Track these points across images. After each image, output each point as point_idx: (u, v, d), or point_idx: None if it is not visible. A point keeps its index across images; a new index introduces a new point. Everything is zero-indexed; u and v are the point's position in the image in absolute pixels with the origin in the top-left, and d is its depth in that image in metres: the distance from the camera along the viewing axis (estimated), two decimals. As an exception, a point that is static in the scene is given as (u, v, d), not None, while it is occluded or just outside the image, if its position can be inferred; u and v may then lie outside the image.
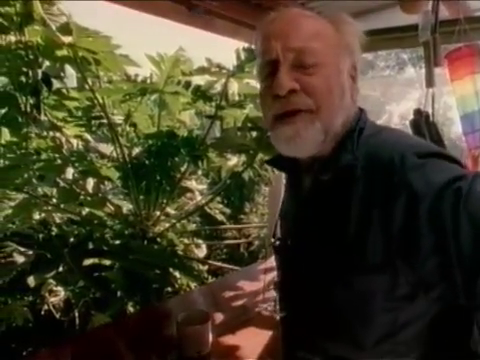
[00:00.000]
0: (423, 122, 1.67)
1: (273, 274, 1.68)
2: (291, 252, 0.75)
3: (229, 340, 1.22)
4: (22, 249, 1.51)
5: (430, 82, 1.61)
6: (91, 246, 1.70)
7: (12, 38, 1.57)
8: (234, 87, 1.92)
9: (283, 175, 2.30)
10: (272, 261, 2.07)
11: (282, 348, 0.80)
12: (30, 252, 1.49)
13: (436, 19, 1.58)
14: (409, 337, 0.63)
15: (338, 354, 0.68)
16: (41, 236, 1.74)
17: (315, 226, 0.70)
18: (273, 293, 1.27)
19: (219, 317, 1.39)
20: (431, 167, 0.58)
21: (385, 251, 0.59)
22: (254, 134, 1.74)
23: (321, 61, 0.64)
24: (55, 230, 1.90)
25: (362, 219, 0.61)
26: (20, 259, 1.43)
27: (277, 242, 0.82)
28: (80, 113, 1.93)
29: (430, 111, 1.70)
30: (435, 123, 1.70)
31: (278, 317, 0.82)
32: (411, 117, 1.72)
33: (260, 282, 1.72)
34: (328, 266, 0.65)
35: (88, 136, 2.10)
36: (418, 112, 1.68)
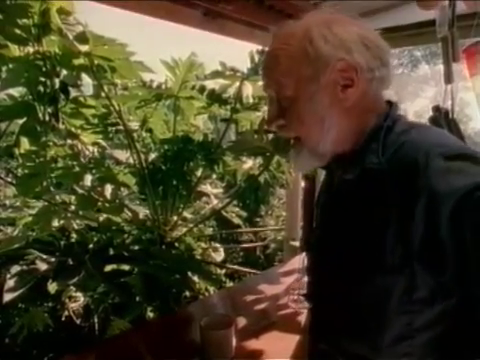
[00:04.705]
0: (442, 119, 1.63)
1: (293, 278, 1.67)
2: (319, 245, 0.78)
3: (253, 344, 1.21)
4: (44, 256, 1.52)
5: (449, 78, 1.57)
6: (111, 252, 1.71)
7: (30, 49, 1.60)
8: (248, 90, 1.91)
9: (300, 177, 2.30)
10: (292, 264, 2.07)
11: (308, 337, 0.81)
12: (52, 259, 1.51)
13: (453, 13, 1.55)
14: (426, 341, 0.62)
15: (355, 352, 0.68)
16: (62, 243, 1.76)
17: (339, 223, 0.71)
18: (296, 295, 1.26)
19: (241, 321, 1.38)
20: (456, 171, 0.55)
21: (403, 253, 0.58)
22: (270, 136, 1.74)
23: (291, 95, 0.68)
24: (75, 236, 1.92)
25: (383, 218, 0.60)
26: (43, 266, 1.45)
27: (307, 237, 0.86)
28: (97, 120, 1.95)
29: (449, 107, 1.67)
30: (455, 120, 1.66)
31: (304, 310, 0.83)
32: (427, 115, 1.69)
33: (280, 285, 1.71)
34: (349, 263, 0.66)
35: (104, 143, 2.12)
36: (437, 109, 1.65)
